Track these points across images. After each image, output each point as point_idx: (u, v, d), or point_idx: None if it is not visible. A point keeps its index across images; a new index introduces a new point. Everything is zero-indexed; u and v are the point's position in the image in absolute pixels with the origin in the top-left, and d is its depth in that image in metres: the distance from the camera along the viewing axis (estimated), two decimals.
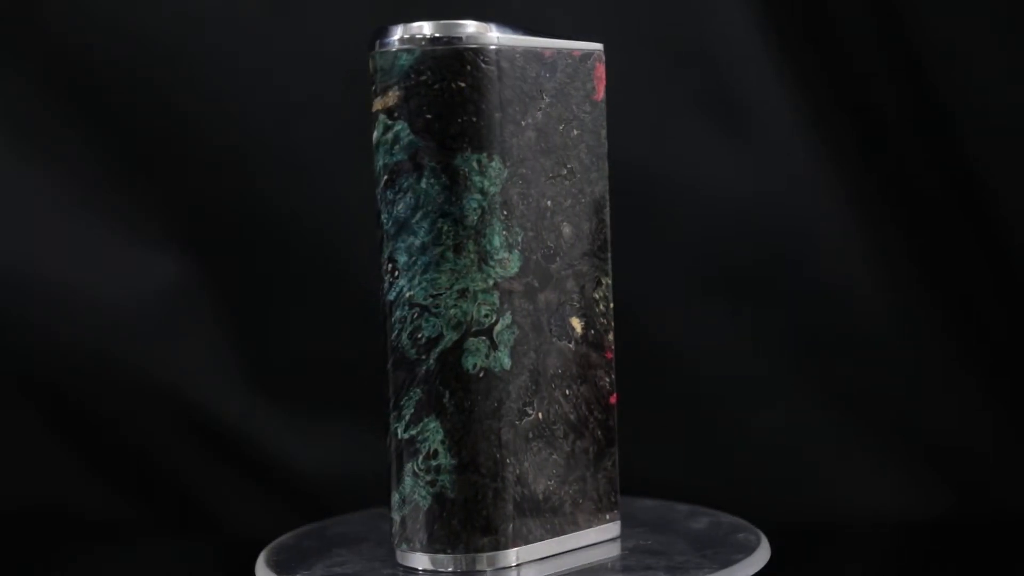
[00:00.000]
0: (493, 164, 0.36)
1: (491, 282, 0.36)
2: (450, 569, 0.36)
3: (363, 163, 0.51)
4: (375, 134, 0.37)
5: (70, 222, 0.52)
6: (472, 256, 0.36)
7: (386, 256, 0.36)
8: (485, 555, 0.36)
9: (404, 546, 0.37)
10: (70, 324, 0.52)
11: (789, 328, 0.52)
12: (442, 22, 0.36)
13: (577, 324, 0.39)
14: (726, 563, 0.37)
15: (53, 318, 0.52)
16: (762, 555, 0.38)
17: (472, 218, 0.36)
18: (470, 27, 0.36)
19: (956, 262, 0.51)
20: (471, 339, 0.36)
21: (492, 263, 0.36)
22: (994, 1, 0.50)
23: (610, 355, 0.40)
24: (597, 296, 0.39)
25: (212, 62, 0.51)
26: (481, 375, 0.36)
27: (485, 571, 0.36)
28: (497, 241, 0.36)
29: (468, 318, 0.36)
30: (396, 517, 0.37)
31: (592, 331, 0.39)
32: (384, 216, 0.36)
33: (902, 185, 0.51)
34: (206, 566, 0.49)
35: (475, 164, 0.36)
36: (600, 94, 0.40)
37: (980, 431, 0.51)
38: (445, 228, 0.36)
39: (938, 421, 0.51)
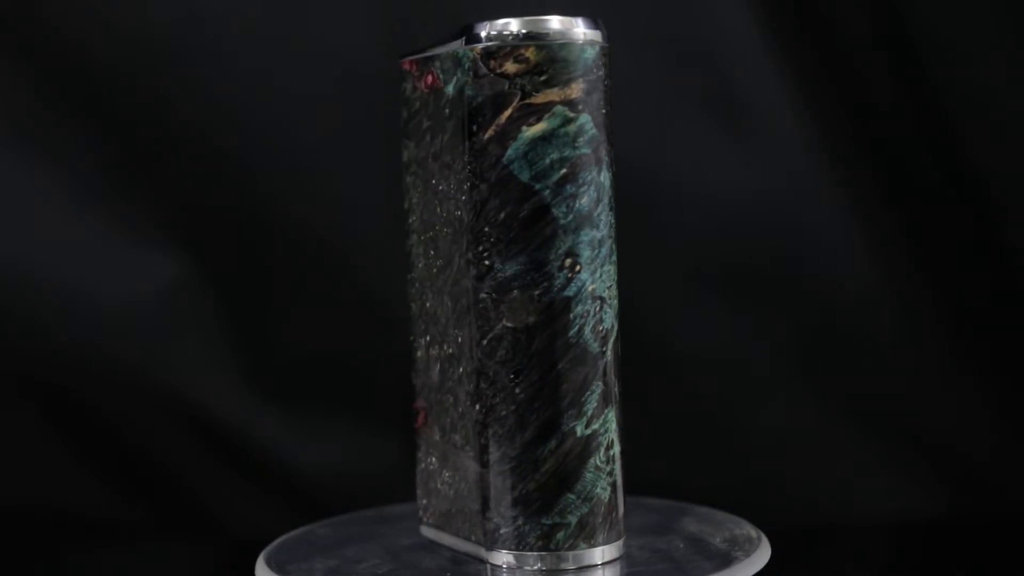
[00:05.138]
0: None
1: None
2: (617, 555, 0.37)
3: (363, 163, 0.52)
4: (543, 125, 0.36)
5: (70, 222, 0.52)
6: (615, 247, 0.37)
7: (562, 251, 0.36)
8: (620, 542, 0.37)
9: (583, 545, 0.36)
10: (70, 324, 0.52)
11: (789, 327, 0.52)
12: (591, 19, 0.36)
13: None
14: (726, 563, 0.37)
15: (53, 318, 0.52)
16: (762, 555, 0.38)
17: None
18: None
19: (955, 261, 0.51)
20: (618, 327, 0.37)
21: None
22: (994, 1, 0.50)
23: None
24: None
25: (212, 62, 0.51)
26: (618, 361, 0.37)
27: (617, 557, 0.37)
28: None
29: (618, 307, 0.37)
30: (571, 519, 0.36)
31: None
32: (560, 210, 0.36)
33: (902, 184, 0.51)
34: (206, 566, 0.49)
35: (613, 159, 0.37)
36: None
37: (979, 430, 0.51)
38: (613, 221, 0.37)
39: (937, 420, 0.51)
